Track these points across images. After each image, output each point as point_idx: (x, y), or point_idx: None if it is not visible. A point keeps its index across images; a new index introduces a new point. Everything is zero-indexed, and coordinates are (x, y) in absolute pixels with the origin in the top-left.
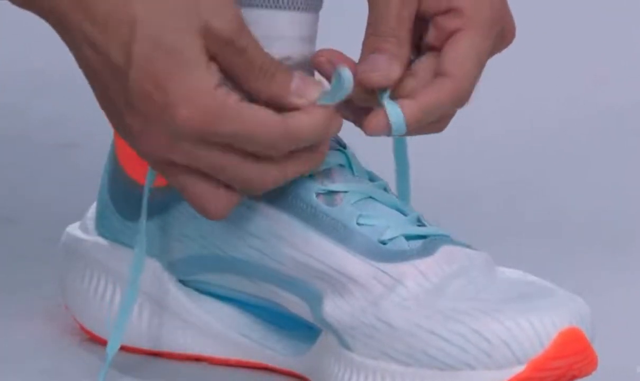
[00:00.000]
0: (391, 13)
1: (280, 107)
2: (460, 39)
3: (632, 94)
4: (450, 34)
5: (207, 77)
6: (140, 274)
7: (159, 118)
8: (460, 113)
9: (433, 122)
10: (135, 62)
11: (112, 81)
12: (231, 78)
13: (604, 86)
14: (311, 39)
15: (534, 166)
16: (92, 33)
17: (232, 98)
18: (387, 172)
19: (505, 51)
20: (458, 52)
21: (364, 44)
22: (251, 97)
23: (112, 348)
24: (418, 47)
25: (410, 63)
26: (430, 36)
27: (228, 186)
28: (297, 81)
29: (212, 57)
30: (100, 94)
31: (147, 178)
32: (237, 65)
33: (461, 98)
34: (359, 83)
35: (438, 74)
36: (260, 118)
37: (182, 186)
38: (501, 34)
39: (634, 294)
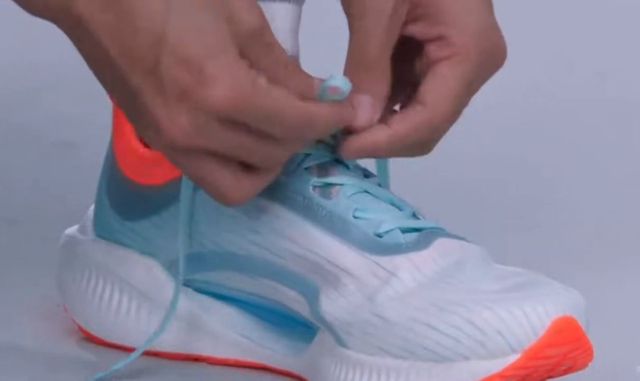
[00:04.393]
0: (374, 42)
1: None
2: (442, 67)
3: (635, 91)
4: (435, 63)
5: (239, 57)
6: (179, 300)
7: (191, 99)
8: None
9: (414, 147)
10: (168, 45)
11: (138, 68)
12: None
13: (607, 81)
14: (297, 31)
15: (535, 163)
16: (115, 24)
17: (263, 79)
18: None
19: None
20: (436, 81)
21: (346, 68)
22: None
23: (126, 361)
24: (402, 74)
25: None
26: (419, 66)
27: (246, 171)
28: (317, 81)
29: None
30: (120, 91)
31: (182, 198)
32: (264, 61)
33: (436, 128)
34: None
35: (416, 102)
36: (286, 101)
37: (202, 174)
38: (491, 59)
39: (634, 294)
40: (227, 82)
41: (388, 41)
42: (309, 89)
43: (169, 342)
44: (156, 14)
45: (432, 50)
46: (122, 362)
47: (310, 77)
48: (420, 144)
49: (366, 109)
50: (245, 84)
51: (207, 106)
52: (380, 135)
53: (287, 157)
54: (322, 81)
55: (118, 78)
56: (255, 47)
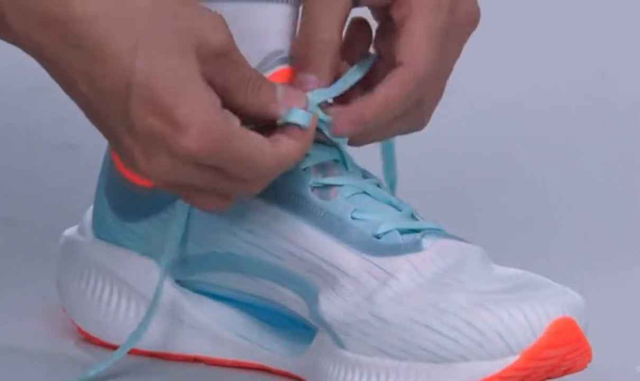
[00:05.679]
0: (316, 18)
1: (266, 118)
2: (406, 24)
3: (635, 90)
4: (400, 24)
5: (210, 97)
6: (162, 292)
7: (162, 144)
8: (455, 107)
9: (407, 117)
10: (136, 91)
11: (110, 109)
12: (222, 94)
13: (606, 82)
14: (293, 33)
15: (531, 163)
16: (84, 64)
17: (235, 123)
18: (377, 171)
19: (503, 45)
20: (405, 39)
21: (296, 42)
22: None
23: (117, 355)
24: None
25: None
26: (387, 37)
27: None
28: (281, 91)
29: (207, 78)
30: (96, 122)
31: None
32: (230, 79)
33: (420, 82)
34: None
35: (393, 66)
36: (258, 147)
37: (187, 199)
38: (460, 13)
39: (633, 293)
40: (199, 126)
41: (332, 16)
42: (272, 102)
43: (167, 343)
44: (123, 52)
45: (394, 13)
46: (105, 362)
47: (272, 88)
48: (410, 113)
49: (313, 86)
50: (219, 127)
51: (181, 152)
52: (367, 104)
53: (259, 190)
54: (281, 85)
55: (92, 110)
56: (222, 67)
